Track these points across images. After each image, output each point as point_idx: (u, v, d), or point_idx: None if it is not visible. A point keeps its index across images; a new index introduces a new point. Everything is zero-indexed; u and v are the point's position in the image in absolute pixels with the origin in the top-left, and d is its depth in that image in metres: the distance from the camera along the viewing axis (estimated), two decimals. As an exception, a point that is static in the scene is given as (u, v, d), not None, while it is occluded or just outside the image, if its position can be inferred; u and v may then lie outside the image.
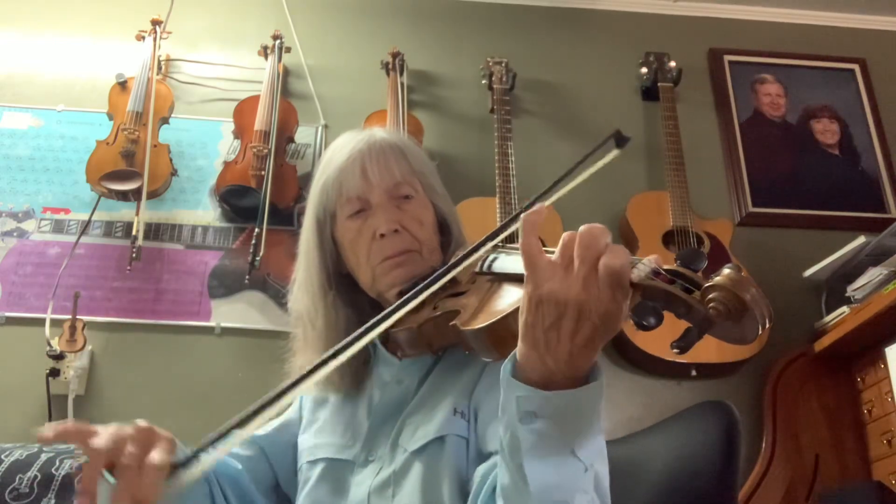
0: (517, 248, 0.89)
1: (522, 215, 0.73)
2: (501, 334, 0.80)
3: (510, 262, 0.88)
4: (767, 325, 0.60)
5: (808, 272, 2.49)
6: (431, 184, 1.10)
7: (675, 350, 0.63)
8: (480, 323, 0.82)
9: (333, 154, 1.08)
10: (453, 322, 0.87)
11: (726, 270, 0.62)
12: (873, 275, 2.21)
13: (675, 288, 0.64)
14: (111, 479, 0.71)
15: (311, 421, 1.11)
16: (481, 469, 0.84)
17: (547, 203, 0.82)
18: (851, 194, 2.78)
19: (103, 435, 0.73)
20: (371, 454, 0.98)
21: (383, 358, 1.06)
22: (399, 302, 0.79)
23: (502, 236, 0.84)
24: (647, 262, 0.66)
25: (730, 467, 1.02)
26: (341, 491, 0.98)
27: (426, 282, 0.81)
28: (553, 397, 0.69)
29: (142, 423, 0.76)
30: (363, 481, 0.95)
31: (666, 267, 0.66)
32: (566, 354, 0.67)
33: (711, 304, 0.61)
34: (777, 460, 2.22)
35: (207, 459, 0.73)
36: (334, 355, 0.77)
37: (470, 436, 0.90)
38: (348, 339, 0.78)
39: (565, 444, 0.70)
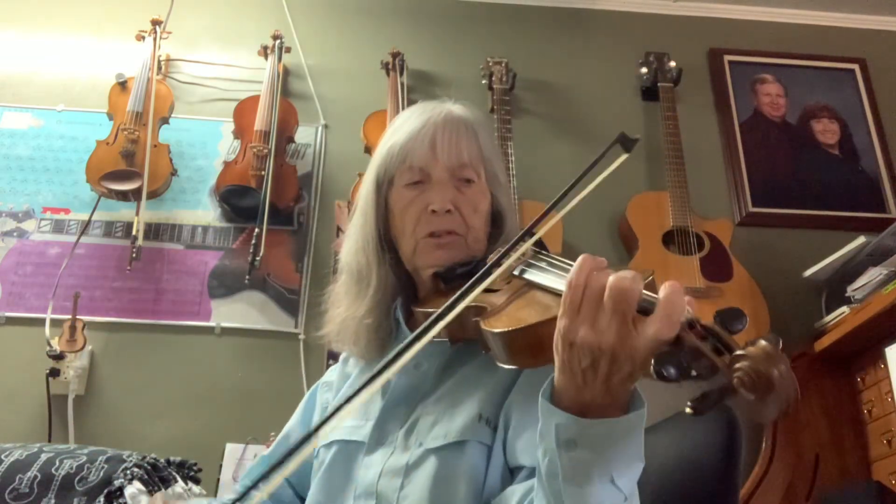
0: (555, 261, 0.86)
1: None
2: (519, 343, 0.78)
3: (545, 277, 0.85)
4: (789, 408, 0.57)
5: (808, 272, 2.49)
6: (496, 172, 1.08)
7: (689, 410, 0.60)
8: (501, 327, 0.80)
9: (408, 119, 1.07)
10: (476, 318, 0.85)
11: (762, 342, 0.58)
12: (873, 275, 2.21)
13: (706, 345, 0.61)
14: None
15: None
16: (518, 490, 0.83)
17: (558, 217, 0.83)
18: (851, 194, 2.79)
19: None
20: (383, 437, 0.96)
21: (405, 336, 1.05)
22: (440, 311, 0.78)
23: (527, 244, 0.81)
24: (686, 312, 0.63)
25: (731, 467, 1.02)
26: (351, 472, 0.97)
27: (465, 287, 0.78)
28: (593, 425, 0.68)
29: None
30: (373, 464, 0.94)
31: (703, 322, 0.62)
32: (603, 390, 0.68)
33: (737, 373, 0.57)
34: (777, 460, 2.22)
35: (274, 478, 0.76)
36: (378, 374, 0.77)
37: (494, 444, 0.89)
38: (389, 356, 0.77)
39: (605, 472, 0.70)
